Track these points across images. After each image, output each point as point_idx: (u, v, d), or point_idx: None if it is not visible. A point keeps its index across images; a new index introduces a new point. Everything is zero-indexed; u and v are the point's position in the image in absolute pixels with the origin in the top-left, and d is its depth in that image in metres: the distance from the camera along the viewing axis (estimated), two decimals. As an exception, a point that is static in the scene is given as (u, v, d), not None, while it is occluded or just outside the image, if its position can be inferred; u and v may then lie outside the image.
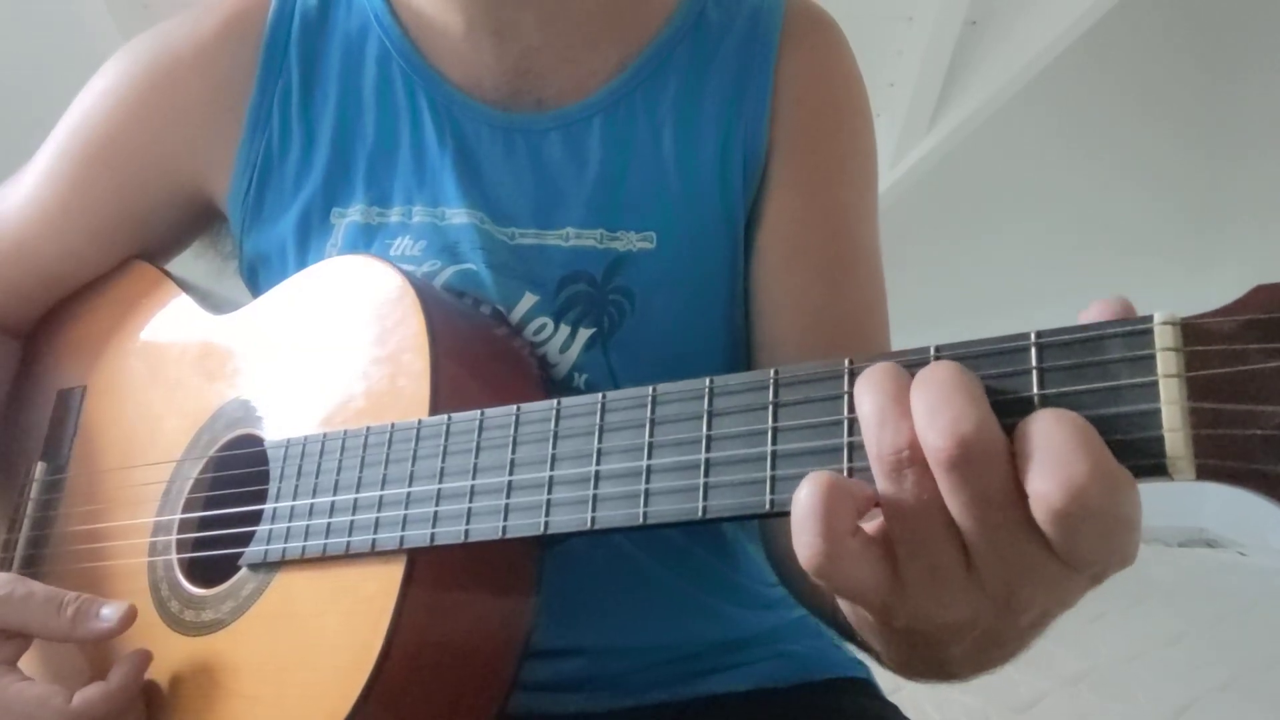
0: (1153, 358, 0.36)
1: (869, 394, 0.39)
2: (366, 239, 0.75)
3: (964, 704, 2.20)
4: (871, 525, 0.40)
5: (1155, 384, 0.36)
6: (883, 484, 0.39)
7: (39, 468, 0.80)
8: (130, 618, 0.62)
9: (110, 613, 0.61)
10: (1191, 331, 0.36)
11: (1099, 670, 2.53)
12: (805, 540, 0.39)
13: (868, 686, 0.81)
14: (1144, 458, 0.36)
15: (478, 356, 0.65)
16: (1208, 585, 3.43)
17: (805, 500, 0.39)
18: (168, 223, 0.85)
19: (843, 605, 0.45)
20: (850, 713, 0.76)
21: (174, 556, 0.68)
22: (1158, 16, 3.89)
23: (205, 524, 0.68)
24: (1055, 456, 0.35)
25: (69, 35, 2.64)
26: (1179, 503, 4.16)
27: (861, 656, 0.79)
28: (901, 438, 0.38)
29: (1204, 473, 0.35)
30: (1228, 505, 4.06)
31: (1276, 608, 3.15)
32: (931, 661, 0.46)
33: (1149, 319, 0.37)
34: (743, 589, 0.79)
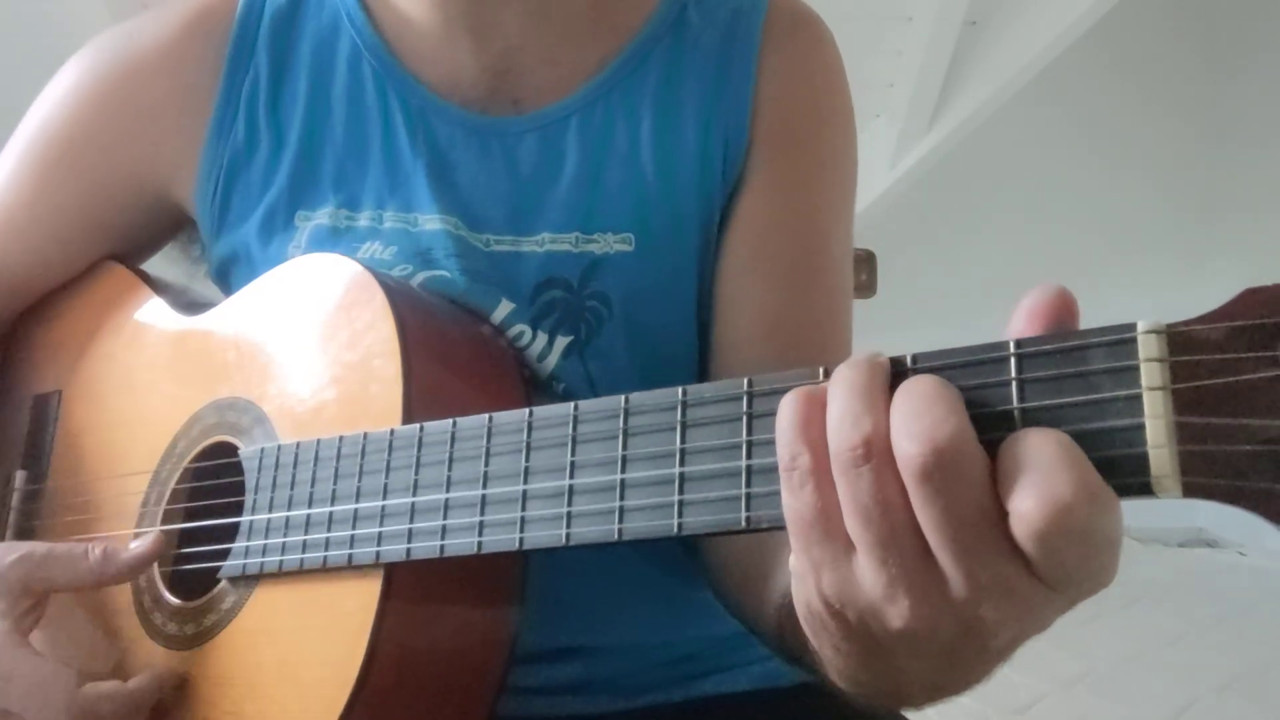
0: (1136, 369, 0.34)
1: (838, 392, 0.39)
2: (333, 242, 0.73)
3: (963, 705, 2.19)
4: None
5: (1139, 397, 0.34)
6: (840, 479, 0.38)
7: (19, 476, 0.79)
8: (160, 545, 0.62)
9: (138, 544, 0.62)
10: (1178, 340, 0.34)
11: (1097, 671, 2.53)
12: (781, 443, 0.40)
13: (867, 686, 0.80)
14: (1128, 476, 0.34)
15: (453, 358, 0.64)
16: (1207, 585, 3.43)
17: (785, 402, 0.40)
18: (136, 227, 0.83)
19: (796, 599, 0.43)
20: (849, 713, 0.75)
21: (155, 569, 0.67)
22: (1157, 18, 3.89)
23: (184, 535, 0.67)
24: (1039, 474, 0.34)
25: (69, 35, 2.63)
26: (1178, 503, 4.12)
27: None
28: (859, 435, 0.37)
29: (1191, 490, 0.34)
30: (1227, 506, 4.04)
31: (1276, 608, 3.16)
32: (883, 675, 0.44)
33: (1132, 327, 0.35)
34: None
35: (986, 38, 3.18)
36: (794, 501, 0.40)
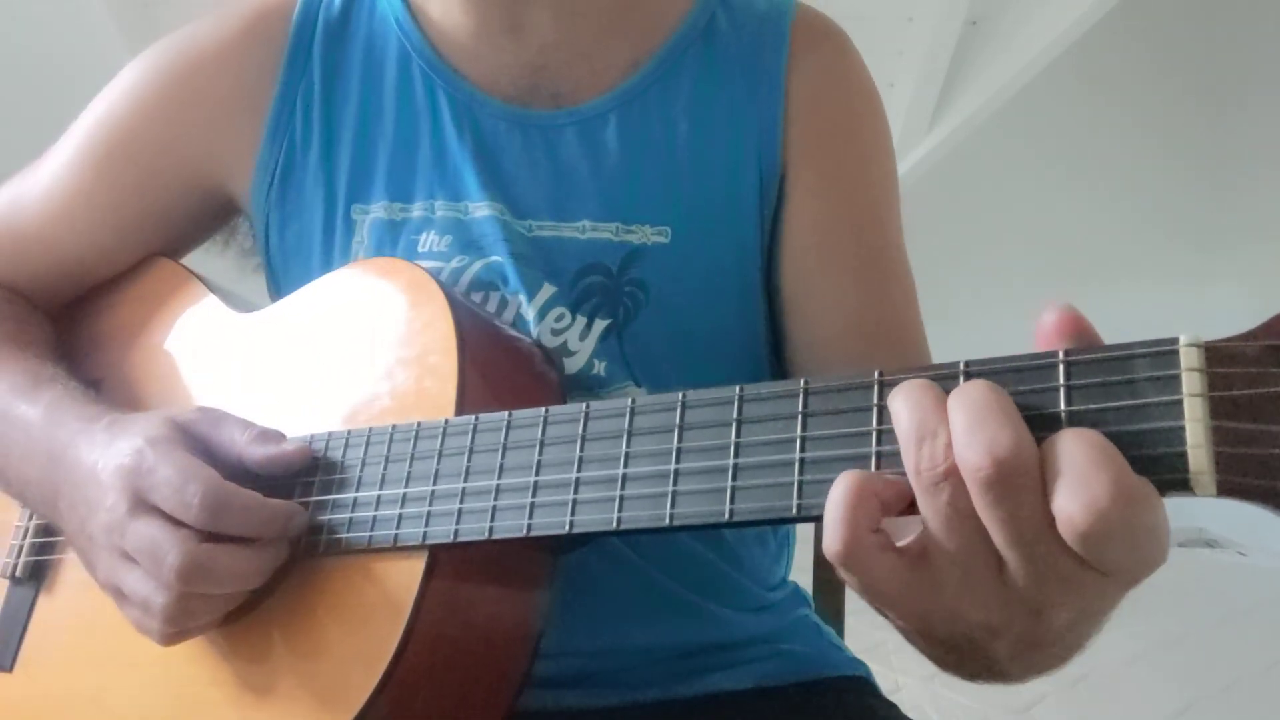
0: (1178, 377, 0.37)
1: (906, 410, 0.41)
2: (392, 235, 0.77)
3: (963, 705, 2.20)
4: (905, 539, 0.42)
5: (1180, 402, 0.37)
6: (921, 497, 0.40)
7: None
8: (306, 453, 0.62)
9: (289, 444, 0.62)
10: (1215, 354, 0.37)
11: (1098, 671, 2.53)
12: (829, 532, 0.41)
13: (867, 685, 0.82)
14: (1168, 473, 0.37)
15: (502, 362, 0.66)
16: (1208, 586, 3.43)
17: (834, 496, 0.41)
18: (190, 219, 0.86)
19: (889, 618, 0.46)
20: (849, 712, 0.77)
21: None
22: (1158, 17, 3.89)
23: None
24: (1076, 478, 0.37)
25: (70, 34, 2.64)
26: (1179, 503, 4.12)
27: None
28: (939, 454, 0.39)
29: (1225, 489, 0.36)
30: (1228, 506, 4.02)
31: (1277, 609, 3.15)
32: (981, 662, 0.47)
33: (1174, 341, 0.38)
34: (743, 591, 0.80)
35: (987, 38, 3.18)
36: (852, 579, 0.42)
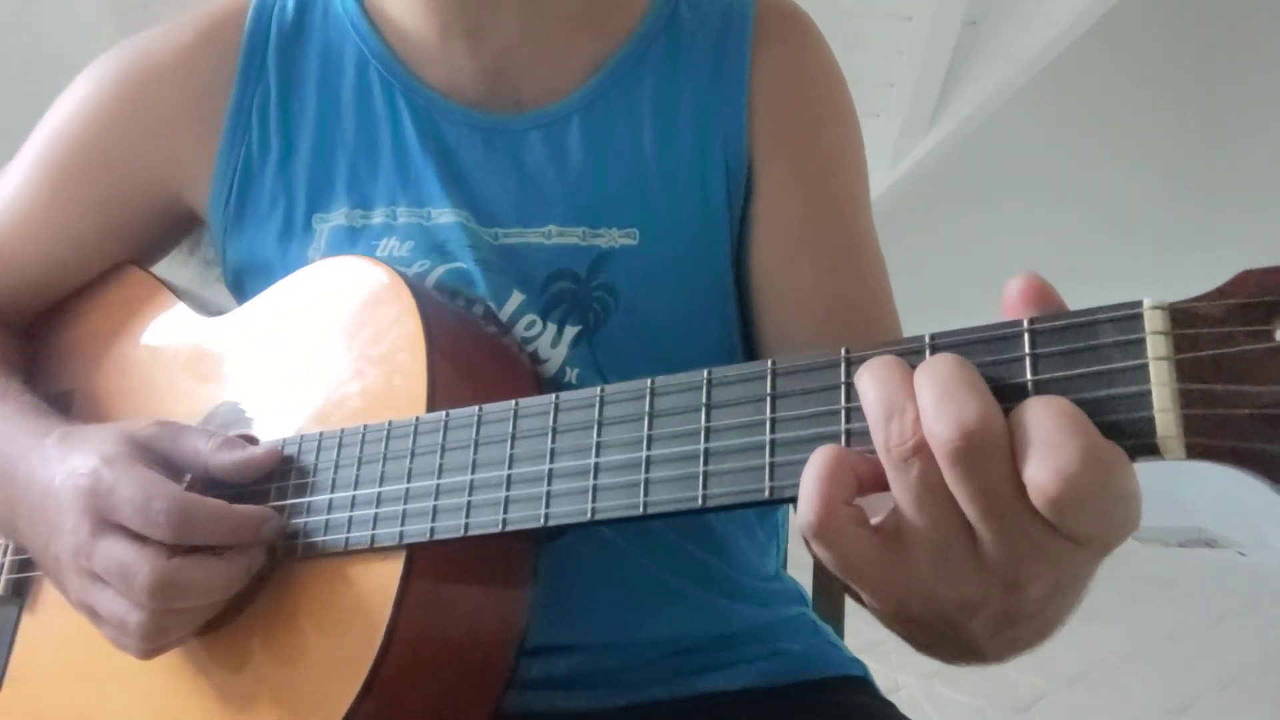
0: (1142, 341, 0.37)
1: (873, 387, 0.40)
2: (350, 241, 0.75)
3: (962, 704, 2.20)
4: (879, 517, 0.42)
5: (1145, 367, 0.36)
6: (892, 474, 0.40)
7: None
8: (275, 455, 0.62)
9: (257, 447, 0.62)
10: (1180, 315, 0.37)
11: (1098, 670, 2.53)
12: (804, 504, 0.41)
13: (865, 685, 0.81)
14: (1136, 438, 0.36)
15: (472, 355, 0.66)
16: (1207, 585, 3.43)
17: (810, 469, 0.41)
18: (150, 230, 0.84)
19: (865, 602, 0.46)
20: (847, 711, 0.76)
21: None
22: (1158, 15, 3.89)
23: None
24: (1046, 445, 0.36)
25: (68, 34, 2.64)
26: (1178, 503, 4.15)
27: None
28: (908, 430, 0.39)
29: (1194, 451, 0.36)
30: (1227, 506, 4.05)
31: (1275, 607, 3.16)
32: (959, 643, 0.46)
33: (1138, 304, 0.37)
34: (736, 583, 0.79)
35: (986, 38, 3.18)
36: (826, 555, 0.42)
